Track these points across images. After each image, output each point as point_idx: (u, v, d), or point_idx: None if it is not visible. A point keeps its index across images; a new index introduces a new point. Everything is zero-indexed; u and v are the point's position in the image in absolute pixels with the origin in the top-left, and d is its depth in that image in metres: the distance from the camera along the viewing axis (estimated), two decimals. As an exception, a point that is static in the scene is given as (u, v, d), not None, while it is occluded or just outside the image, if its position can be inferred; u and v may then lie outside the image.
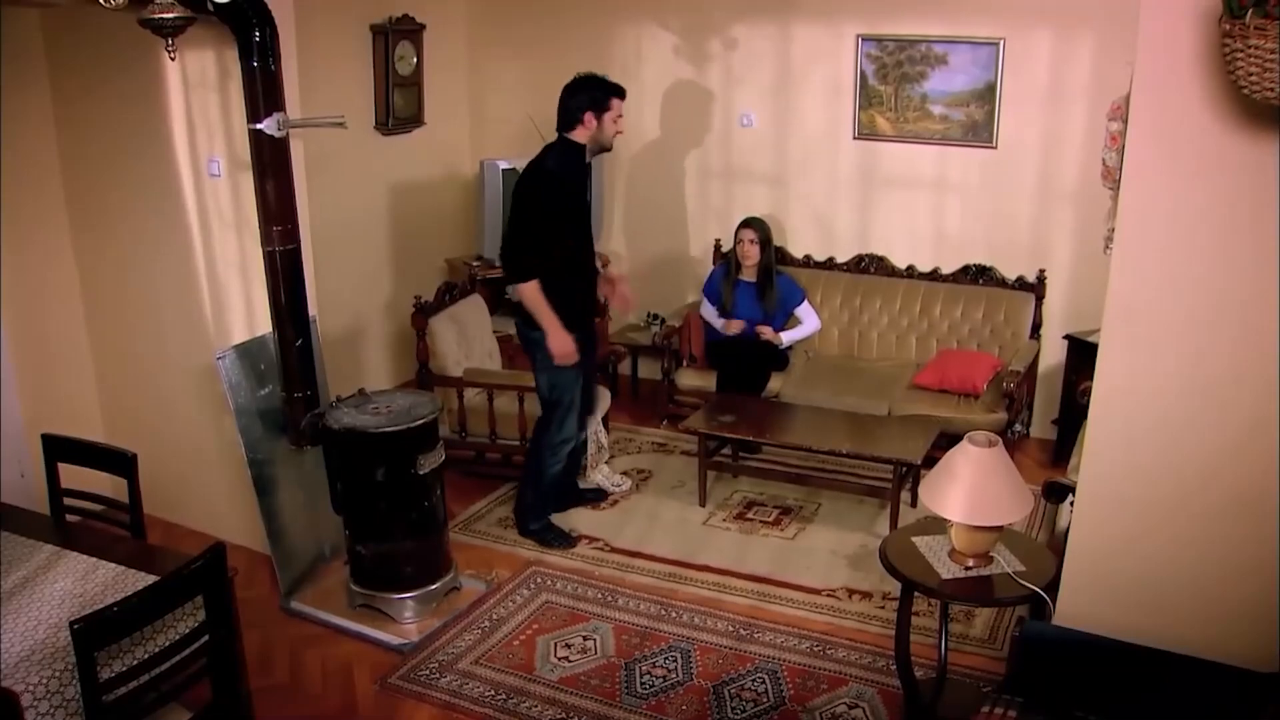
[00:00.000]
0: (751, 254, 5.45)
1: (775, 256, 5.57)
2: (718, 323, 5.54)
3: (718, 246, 5.99)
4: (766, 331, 5.44)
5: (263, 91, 3.52)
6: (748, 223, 5.50)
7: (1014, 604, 3.30)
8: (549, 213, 4.17)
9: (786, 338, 5.51)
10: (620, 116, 4.23)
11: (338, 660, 3.76)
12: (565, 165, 4.21)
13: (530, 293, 4.18)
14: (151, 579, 2.83)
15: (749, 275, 5.53)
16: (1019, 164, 5.33)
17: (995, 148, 5.33)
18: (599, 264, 4.57)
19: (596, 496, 4.92)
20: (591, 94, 4.16)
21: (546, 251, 4.17)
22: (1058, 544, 3.36)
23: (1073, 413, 4.98)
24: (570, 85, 4.21)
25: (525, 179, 4.24)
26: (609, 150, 4.37)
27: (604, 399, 5.25)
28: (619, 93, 4.21)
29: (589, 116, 4.15)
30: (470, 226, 6.31)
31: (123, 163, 4.28)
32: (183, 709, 2.79)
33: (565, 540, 4.53)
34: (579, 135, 4.19)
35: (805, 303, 5.58)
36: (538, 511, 4.57)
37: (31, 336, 4.42)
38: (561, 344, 4.22)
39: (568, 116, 4.19)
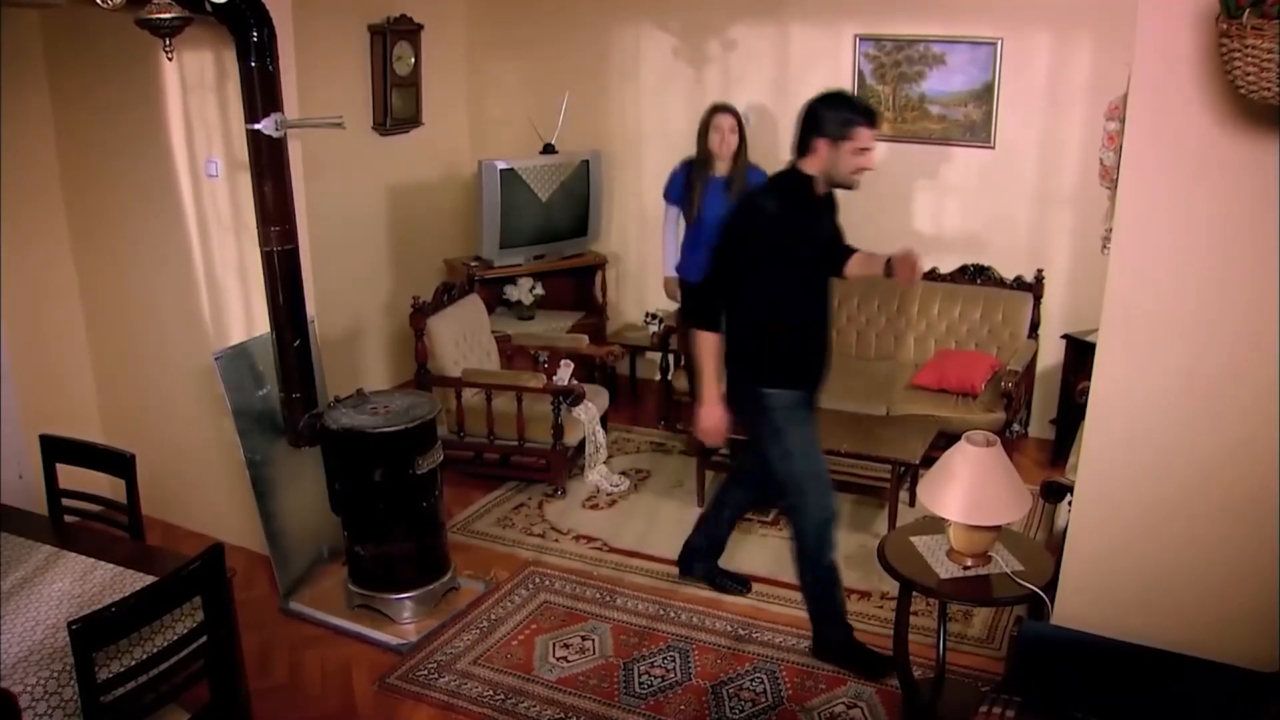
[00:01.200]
0: (731, 143, 4.80)
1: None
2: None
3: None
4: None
5: (261, 92, 3.52)
6: (724, 108, 4.85)
7: (1012, 604, 3.30)
8: (751, 255, 3.43)
9: None
10: (866, 150, 3.31)
11: (336, 661, 3.76)
12: (784, 200, 3.46)
13: (708, 345, 3.50)
14: (150, 579, 2.82)
15: (722, 170, 4.87)
16: (1017, 164, 5.33)
17: (993, 148, 5.34)
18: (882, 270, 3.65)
19: (739, 585, 4.19)
20: (830, 117, 3.33)
21: (741, 299, 3.48)
22: (1056, 544, 3.37)
23: (1071, 412, 4.98)
24: (810, 103, 3.43)
25: (733, 211, 3.61)
26: (850, 188, 3.44)
27: (601, 398, 5.26)
28: (868, 118, 3.34)
29: (822, 144, 3.33)
30: (469, 227, 6.31)
31: (121, 163, 4.28)
32: (181, 710, 2.79)
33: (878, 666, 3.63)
34: (809, 165, 3.40)
35: None
36: (839, 623, 3.72)
37: (30, 337, 4.42)
38: (711, 417, 3.58)
39: (799, 140, 3.42)
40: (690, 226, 4.99)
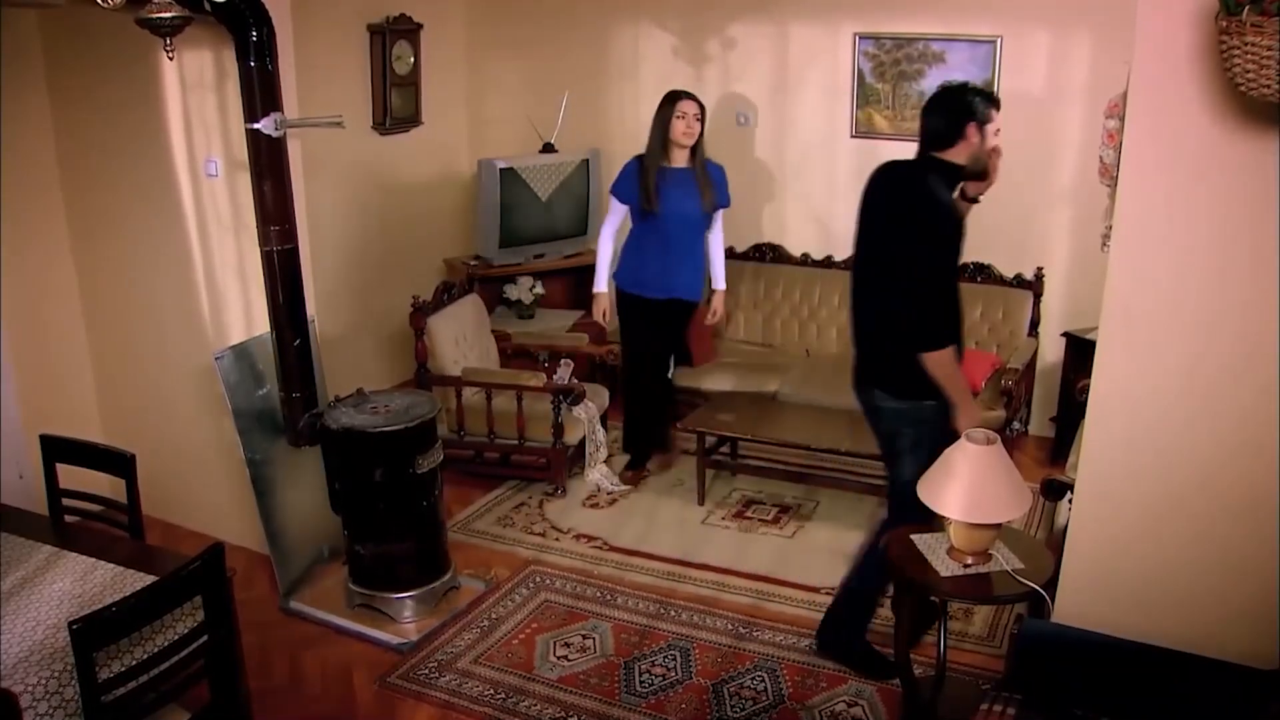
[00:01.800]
0: (695, 131, 4.57)
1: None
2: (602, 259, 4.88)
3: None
4: (717, 305, 4.94)
5: (260, 91, 3.52)
6: (688, 94, 4.60)
7: (1013, 602, 3.30)
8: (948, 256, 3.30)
9: (719, 276, 4.96)
10: (999, 131, 3.32)
11: (337, 660, 3.76)
12: (949, 191, 3.34)
13: (946, 362, 3.24)
14: (150, 579, 2.83)
15: (681, 160, 4.65)
16: (1017, 161, 5.31)
17: (993, 146, 5.33)
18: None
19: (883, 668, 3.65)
20: (975, 101, 3.27)
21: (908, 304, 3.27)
22: (1056, 541, 3.36)
23: (1071, 410, 4.98)
24: (952, 91, 3.35)
25: (922, 203, 3.26)
26: (987, 176, 3.39)
27: (601, 397, 5.26)
28: (996, 101, 3.31)
29: (972, 128, 3.26)
30: (468, 226, 6.30)
31: (121, 163, 4.28)
32: (182, 709, 2.79)
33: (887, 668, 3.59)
34: (957, 155, 3.29)
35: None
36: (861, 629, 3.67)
37: (30, 337, 4.42)
38: (975, 417, 3.31)
39: (945, 130, 3.29)
40: (641, 224, 4.76)
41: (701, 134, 4.66)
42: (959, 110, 3.26)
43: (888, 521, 3.51)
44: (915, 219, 3.24)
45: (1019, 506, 2.96)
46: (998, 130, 3.30)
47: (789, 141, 5.82)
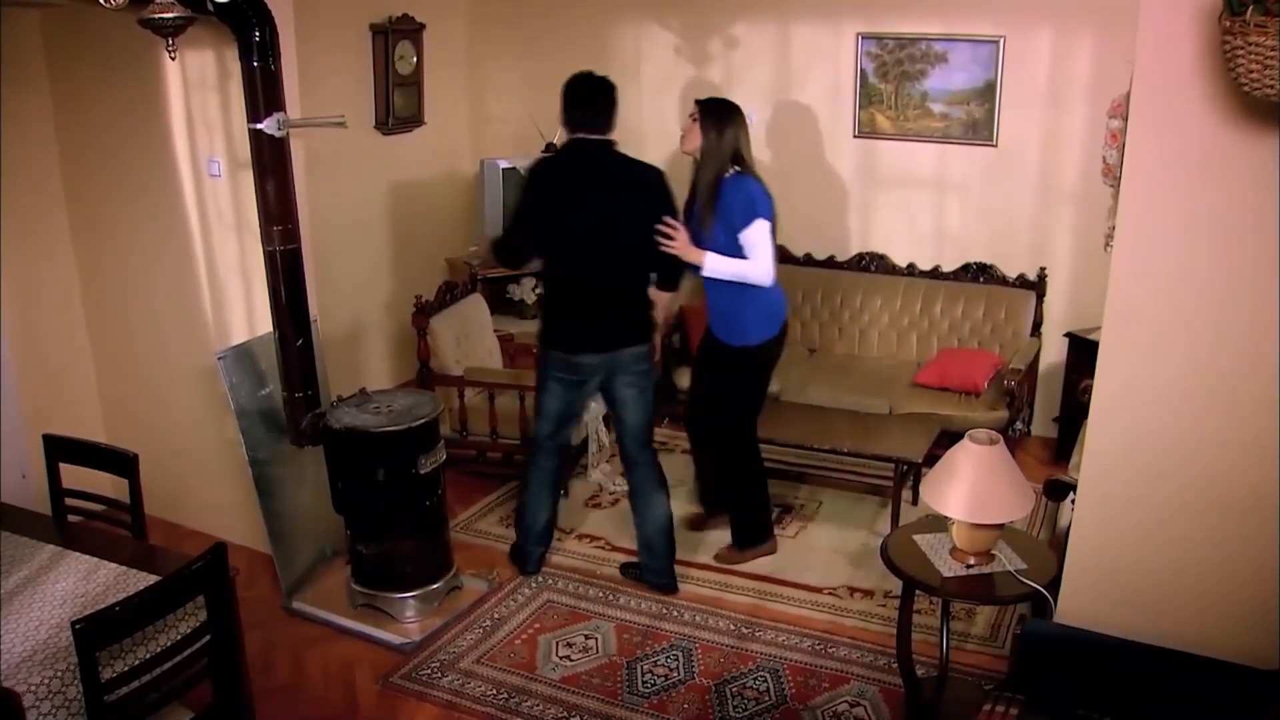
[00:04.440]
0: (690, 137, 3.99)
1: (747, 158, 3.96)
2: None
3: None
4: (680, 239, 3.86)
5: (263, 91, 3.52)
6: (698, 100, 4.08)
7: (1015, 602, 3.30)
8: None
9: (712, 264, 3.89)
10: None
11: (339, 660, 3.76)
12: None
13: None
14: (153, 579, 2.83)
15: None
16: (1019, 162, 5.33)
17: (995, 146, 5.33)
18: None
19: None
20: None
21: None
22: (1059, 542, 3.36)
23: (1074, 410, 4.98)
24: (600, 89, 3.89)
25: (658, 175, 3.93)
26: None
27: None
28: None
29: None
30: (471, 226, 6.30)
31: (123, 163, 4.28)
32: (184, 709, 2.79)
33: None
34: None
35: (757, 224, 3.86)
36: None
37: (32, 337, 4.42)
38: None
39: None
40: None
41: (726, 137, 3.92)
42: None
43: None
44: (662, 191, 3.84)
45: (1021, 507, 2.96)
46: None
47: (791, 142, 5.81)
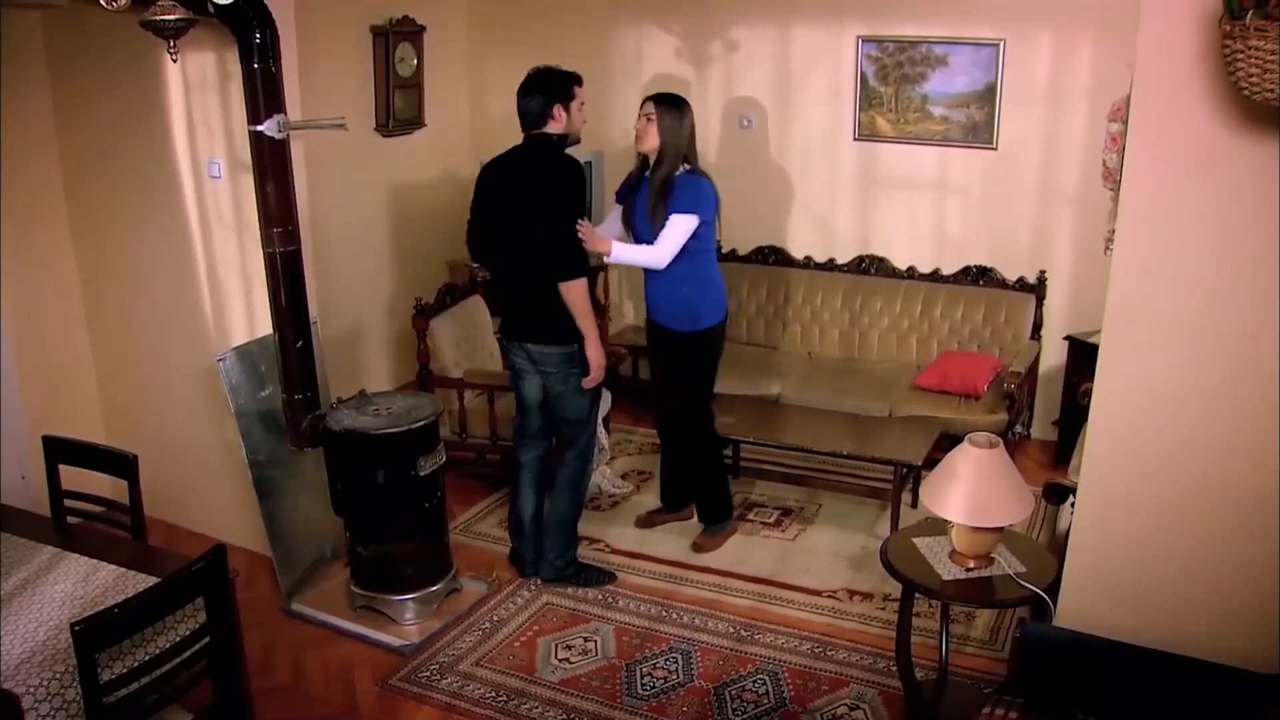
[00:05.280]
0: (648, 136, 4.04)
1: (694, 154, 4.11)
2: (607, 233, 4.17)
3: (718, 247, 5.98)
4: (585, 228, 3.87)
5: (263, 93, 3.52)
6: (651, 98, 4.12)
7: (1015, 605, 3.30)
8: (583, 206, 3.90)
9: (618, 251, 4.03)
10: (583, 104, 3.94)
11: (339, 661, 3.76)
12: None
13: (581, 292, 3.84)
14: (152, 580, 2.83)
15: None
16: (1019, 165, 5.33)
17: (996, 149, 5.33)
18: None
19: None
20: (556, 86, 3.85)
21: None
22: (1058, 545, 3.36)
23: (1073, 414, 4.98)
24: (525, 85, 3.87)
25: (563, 170, 3.87)
26: (578, 142, 4.11)
27: (604, 400, 5.25)
28: (579, 80, 3.92)
29: (558, 109, 3.83)
30: (471, 228, 6.30)
31: (123, 164, 4.28)
32: (184, 711, 2.79)
33: (606, 576, 4.27)
34: (553, 128, 3.86)
35: (688, 218, 4.01)
36: (573, 549, 4.27)
37: (32, 338, 4.42)
38: (601, 353, 3.97)
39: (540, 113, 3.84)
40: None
41: (679, 137, 4.04)
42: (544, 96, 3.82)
43: (572, 453, 4.18)
44: (567, 177, 3.85)
45: (1021, 510, 2.96)
46: (582, 105, 3.90)
47: (792, 144, 5.81)
